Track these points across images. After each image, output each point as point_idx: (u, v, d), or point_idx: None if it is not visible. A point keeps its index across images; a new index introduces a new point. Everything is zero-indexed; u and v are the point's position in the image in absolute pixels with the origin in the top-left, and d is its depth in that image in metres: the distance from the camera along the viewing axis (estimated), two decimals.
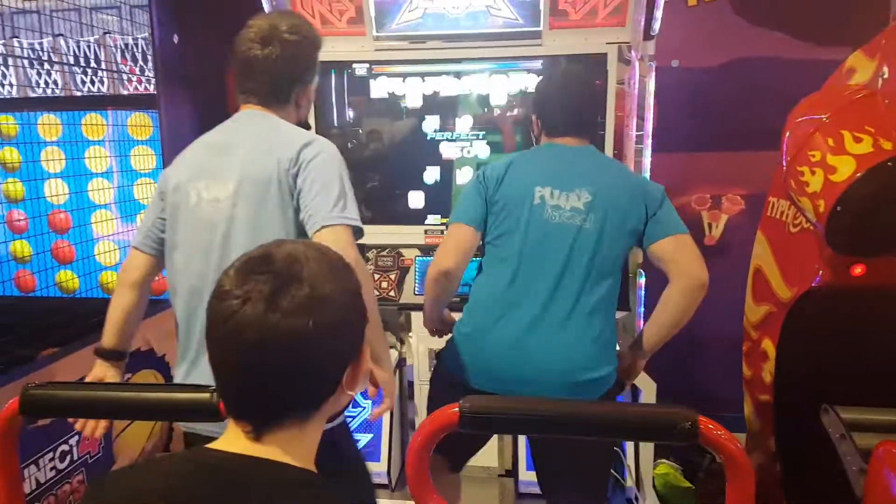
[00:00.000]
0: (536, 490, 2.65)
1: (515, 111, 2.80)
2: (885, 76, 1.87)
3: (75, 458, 2.25)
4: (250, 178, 1.59)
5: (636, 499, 2.54)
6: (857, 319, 2.28)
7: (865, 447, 2.11)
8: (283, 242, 0.91)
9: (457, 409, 1.17)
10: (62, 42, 2.76)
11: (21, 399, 1.29)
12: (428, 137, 2.84)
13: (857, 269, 2.09)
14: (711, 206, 3.31)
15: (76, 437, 2.24)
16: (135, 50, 2.72)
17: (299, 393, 0.87)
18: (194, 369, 1.64)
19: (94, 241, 2.76)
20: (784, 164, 2.07)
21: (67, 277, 2.75)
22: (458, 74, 2.73)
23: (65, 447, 2.20)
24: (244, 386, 0.86)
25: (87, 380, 1.75)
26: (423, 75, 2.77)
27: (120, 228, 2.75)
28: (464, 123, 2.81)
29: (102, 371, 1.73)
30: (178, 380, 1.66)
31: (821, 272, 2.18)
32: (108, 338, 1.73)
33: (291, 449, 0.87)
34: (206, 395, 1.24)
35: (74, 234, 2.76)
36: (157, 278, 2.78)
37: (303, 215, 1.57)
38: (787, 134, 2.09)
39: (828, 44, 3.01)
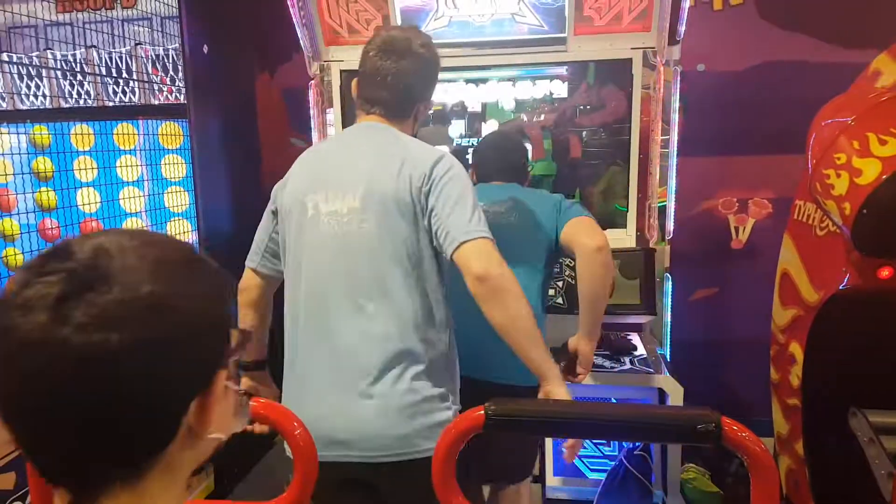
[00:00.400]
0: (564, 496, 2.68)
1: (542, 117, 2.82)
2: None
3: None
4: (377, 193, 1.54)
5: (663, 503, 2.53)
6: (885, 322, 2.26)
7: (894, 451, 2.10)
8: (98, 233, 0.66)
9: (482, 411, 1.19)
10: (94, 53, 2.83)
11: None
12: (455, 143, 2.87)
13: (885, 272, 2.08)
14: (738, 210, 3.29)
15: None
16: (165, 60, 2.79)
17: (112, 442, 0.61)
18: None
19: None
20: (809, 168, 2.07)
21: None
22: (484, 81, 2.76)
23: None
24: (37, 434, 0.61)
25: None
26: (449, 81, 2.80)
27: None
28: (490, 129, 2.83)
29: (252, 384, 1.76)
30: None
31: (848, 275, 2.17)
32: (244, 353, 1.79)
33: None
34: None
35: None
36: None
37: (438, 234, 1.52)
38: (813, 137, 2.09)
39: (854, 46, 2.99)
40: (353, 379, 1.52)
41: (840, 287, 2.21)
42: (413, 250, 1.54)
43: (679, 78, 2.64)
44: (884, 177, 1.77)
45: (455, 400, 1.62)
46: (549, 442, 2.76)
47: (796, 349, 2.51)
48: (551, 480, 2.74)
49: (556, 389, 1.46)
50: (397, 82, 1.62)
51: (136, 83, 2.82)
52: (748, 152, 3.21)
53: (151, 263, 0.63)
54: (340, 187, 1.56)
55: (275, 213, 1.68)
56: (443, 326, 1.59)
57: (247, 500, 2.87)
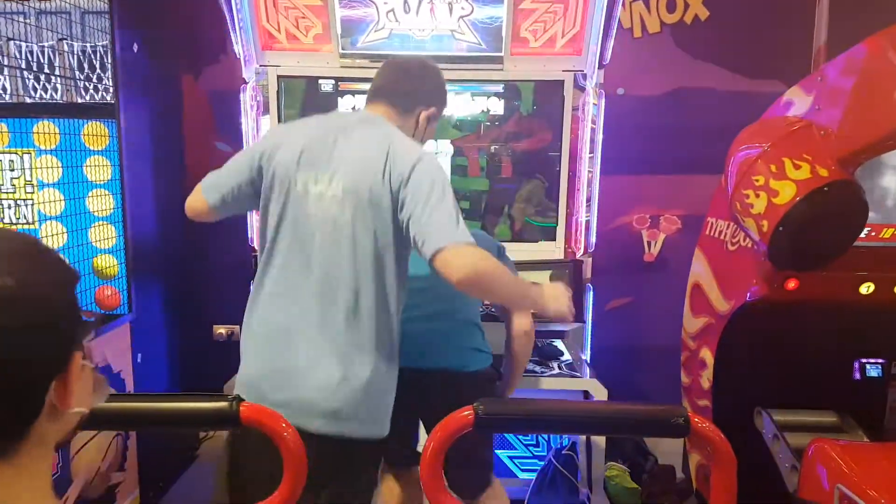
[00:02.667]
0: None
1: (479, 134, 2.92)
2: (820, 109, 2.09)
3: None
4: (357, 185, 1.61)
5: (588, 499, 2.68)
6: (790, 329, 2.50)
7: (796, 446, 2.33)
8: None
9: (471, 411, 1.25)
10: (12, 46, 2.66)
11: None
12: None
13: (791, 284, 2.31)
14: (650, 225, 3.53)
15: None
16: (93, 58, 2.66)
17: None
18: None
19: None
20: (729, 188, 2.26)
21: None
22: None
23: None
24: None
25: None
26: None
27: (71, 242, 2.67)
28: (428, 145, 2.89)
29: None
30: None
31: (756, 286, 2.39)
32: None
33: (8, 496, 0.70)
34: (225, 404, 1.27)
35: None
36: (109, 293, 2.75)
37: (416, 238, 1.56)
38: (732, 160, 2.28)
39: (757, 77, 3.30)
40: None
41: (749, 297, 2.43)
42: (381, 244, 1.62)
43: (603, 100, 2.82)
44: (798, 198, 1.98)
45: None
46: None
47: (707, 354, 2.72)
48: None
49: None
50: (399, 80, 1.80)
51: (58, 80, 2.67)
52: (660, 172, 3.46)
53: (2, 258, 0.69)
54: (327, 171, 1.63)
55: (255, 169, 1.72)
56: (396, 315, 1.68)
57: None
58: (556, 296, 1.79)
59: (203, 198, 1.79)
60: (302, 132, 1.72)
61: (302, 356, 1.58)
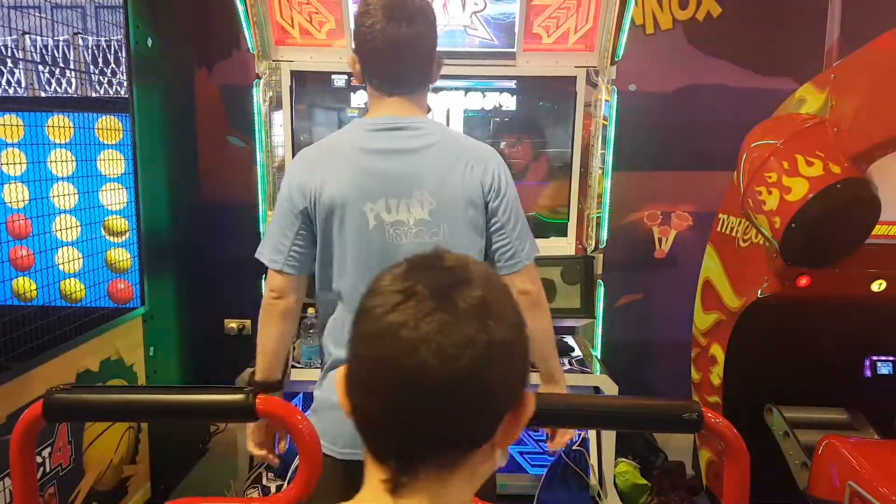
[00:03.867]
0: (507, 491, 2.77)
1: (490, 129, 2.92)
2: (833, 107, 2.09)
3: (48, 470, 2.19)
4: (447, 203, 1.46)
5: (599, 496, 2.68)
6: (801, 326, 2.50)
7: (807, 443, 2.33)
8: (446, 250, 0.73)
9: None
10: (27, 40, 2.68)
11: (45, 403, 1.29)
12: None
13: (803, 280, 2.31)
14: (661, 222, 3.53)
15: (48, 449, 2.19)
16: (107, 52, 2.68)
17: (459, 428, 0.66)
18: None
19: (56, 248, 2.69)
20: (742, 185, 2.26)
21: (26, 286, 2.66)
22: (436, 90, 2.83)
23: (37, 459, 2.14)
24: (393, 415, 0.66)
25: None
26: None
27: (84, 236, 2.69)
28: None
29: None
30: None
31: (768, 283, 2.39)
32: (263, 371, 1.60)
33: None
34: (242, 396, 1.28)
35: (34, 242, 2.67)
36: (121, 287, 2.77)
37: (502, 250, 1.50)
38: (744, 157, 2.29)
39: (768, 74, 3.29)
40: None
41: (760, 294, 2.44)
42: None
43: (616, 96, 2.82)
44: (810, 195, 1.98)
45: None
46: None
47: (717, 351, 2.73)
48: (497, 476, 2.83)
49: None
50: (418, 48, 1.46)
51: (73, 73, 2.69)
52: (672, 168, 3.46)
53: (495, 280, 0.72)
54: (404, 195, 1.46)
55: (303, 212, 1.51)
56: None
57: None
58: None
59: (272, 272, 1.55)
60: (346, 157, 1.50)
61: None
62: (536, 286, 1.55)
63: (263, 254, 1.56)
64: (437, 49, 1.53)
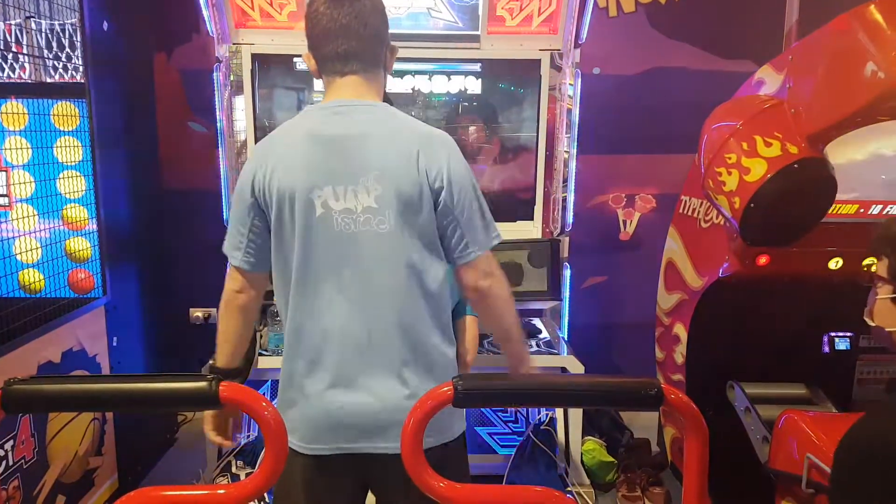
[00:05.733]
0: (477, 472, 2.79)
1: (456, 112, 2.91)
2: (791, 88, 2.13)
3: (10, 463, 2.15)
4: (394, 189, 1.42)
5: (566, 473, 2.72)
6: (761, 304, 2.56)
7: (768, 418, 2.39)
8: None
9: (450, 387, 1.26)
10: None
11: (3, 395, 1.26)
12: None
13: (762, 260, 2.35)
14: (626, 204, 3.57)
15: (10, 442, 2.15)
16: (61, 36, 2.60)
17: None
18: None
19: (13, 238, 2.62)
20: (702, 166, 2.29)
21: None
22: (401, 74, 2.81)
23: (0, 452, 2.10)
24: None
25: None
26: None
27: (42, 225, 2.63)
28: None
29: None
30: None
31: (729, 262, 2.44)
32: (223, 359, 1.61)
33: None
34: (205, 384, 1.26)
35: None
36: (82, 277, 2.71)
37: (454, 240, 1.47)
38: (705, 138, 2.31)
39: (730, 57, 3.34)
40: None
41: (721, 273, 2.48)
42: (427, 250, 1.48)
43: (580, 79, 2.83)
44: (769, 175, 2.01)
45: None
46: None
47: (680, 330, 2.78)
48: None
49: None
50: (362, 26, 1.46)
51: (26, 59, 2.61)
52: (635, 151, 3.49)
53: None
54: (351, 181, 1.43)
55: (253, 206, 1.49)
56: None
57: None
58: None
59: (231, 267, 1.55)
60: (295, 143, 1.48)
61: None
62: (488, 281, 1.50)
63: (225, 248, 1.55)
64: (389, 33, 1.54)
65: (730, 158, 2.14)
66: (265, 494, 2.62)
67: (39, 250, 2.62)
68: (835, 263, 2.35)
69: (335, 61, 1.48)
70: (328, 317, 1.48)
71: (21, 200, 2.61)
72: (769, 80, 2.23)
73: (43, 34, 2.60)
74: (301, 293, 1.49)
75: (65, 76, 2.66)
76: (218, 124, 2.82)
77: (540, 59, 2.76)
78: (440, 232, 1.48)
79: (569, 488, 2.69)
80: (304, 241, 1.46)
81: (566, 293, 2.95)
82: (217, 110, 2.81)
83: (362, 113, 1.48)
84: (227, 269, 1.56)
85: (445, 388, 1.27)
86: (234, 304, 1.57)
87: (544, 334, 2.90)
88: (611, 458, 2.93)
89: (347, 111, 1.48)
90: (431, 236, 1.48)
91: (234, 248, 1.53)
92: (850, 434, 1.25)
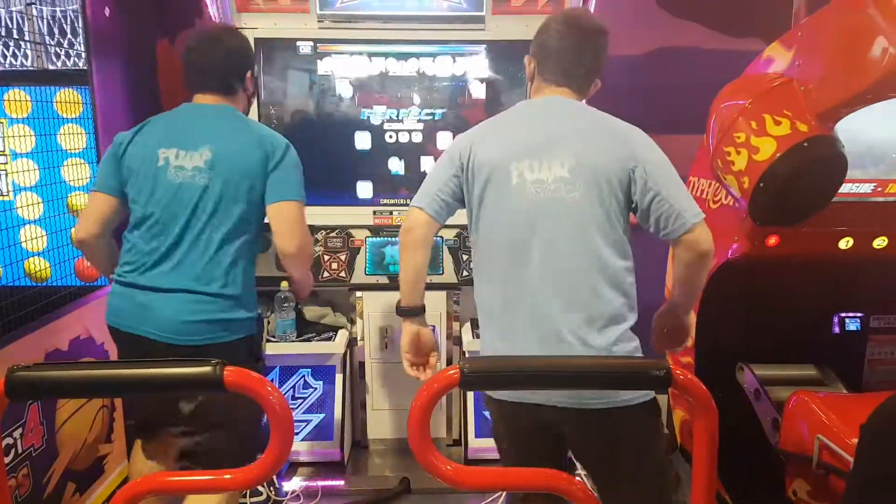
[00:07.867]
0: (485, 455, 2.80)
1: (461, 94, 2.88)
2: (800, 65, 2.09)
3: (20, 451, 2.16)
4: (587, 166, 1.63)
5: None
6: (771, 285, 2.54)
7: (778, 399, 2.37)
8: None
9: (456, 370, 1.25)
10: None
11: (7, 381, 1.26)
12: (372, 121, 2.89)
13: (772, 240, 2.33)
14: None
15: (20, 430, 2.16)
16: (63, 23, 2.59)
17: None
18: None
19: (19, 226, 2.62)
20: (711, 146, 2.27)
21: None
22: (405, 56, 2.78)
23: (9, 440, 2.11)
24: None
25: (404, 339, 1.84)
26: (370, 55, 2.80)
27: (47, 213, 2.63)
28: (411, 104, 2.87)
29: (414, 327, 1.81)
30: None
31: (738, 243, 2.41)
32: (408, 297, 1.81)
33: None
34: (209, 368, 1.25)
35: None
36: (88, 264, 2.71)
37: (664, 215, 1.67)
38: (713, 117, 2.28)
39: (738, 35, 3.28)
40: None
41: (730, 254, 2.46)
42: (613, 222, 1.67)
43: None
44: (778, 154, 1.98)
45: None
46: (470, 405, 2.88)
47: None
48: (473, 442, 2.86)
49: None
50: (585, 60, 1.80)
51: (28, 46, 2.60)
52: (645, 132, 3.44)
53: None
54: (547, 157, 1.64)
55: (462, 168, 1.72)
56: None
57: None
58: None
59: (413, 207, 1.77)
60: (502, 126, 1.77)
61: None
62: (709, 245, 1.69)
63: (413, 199, 1.79)
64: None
65: (738, 137, 2.12)
66: (273, 478, 2.64)
67: (45, 238, 2.62)
68: (845, 243, 2.32)
69: (558, 76, 1.80)
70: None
71: (25, 189, 2.61)
72: (778, 57, 2.19)
73: (45, 21, 2.59)
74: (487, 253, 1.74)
75: (67, 63, 2.65)
76: None
77: None
78: (648, 214, 1.70)
79: (577, 472, 2.68)
80: (494, 205, 1.69)
81: None
82: None
83: (567, 104, 1.78)
84: (411, 214, 1.76)
85: (452, 371, 1.26)
86: (422, 240, 1.76)
87: None
88: None
89: (553, 102, 1.78)
90: (617, 215, 1.69)
91: (423, 195, 1.76)
92: (885, 405, 1.21)
